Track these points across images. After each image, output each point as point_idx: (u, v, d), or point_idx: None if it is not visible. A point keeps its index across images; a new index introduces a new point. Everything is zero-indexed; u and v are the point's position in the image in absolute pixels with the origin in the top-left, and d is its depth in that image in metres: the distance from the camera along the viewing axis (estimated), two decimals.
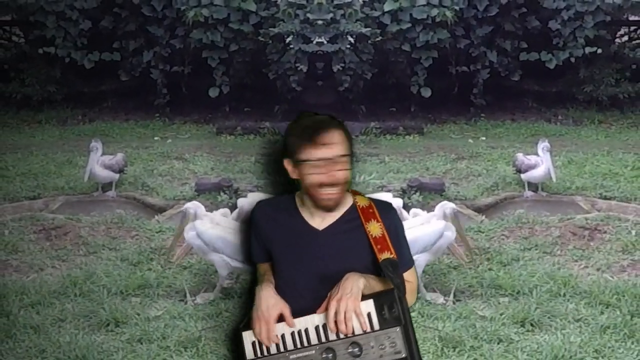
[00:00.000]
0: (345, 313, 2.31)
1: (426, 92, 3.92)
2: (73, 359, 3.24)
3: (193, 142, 3.85)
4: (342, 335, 2.35)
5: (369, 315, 2.34)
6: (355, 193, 2.65)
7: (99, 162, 3.71)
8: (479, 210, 3.69)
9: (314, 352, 2.39)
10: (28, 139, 3.96)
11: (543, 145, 3.66)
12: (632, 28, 3.99)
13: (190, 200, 3.58)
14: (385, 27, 3.90)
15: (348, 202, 2.60)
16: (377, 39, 3.91)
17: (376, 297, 2.35)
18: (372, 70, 3.95)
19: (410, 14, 3.87)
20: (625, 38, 4.01)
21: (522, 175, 3.71)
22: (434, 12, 3.83)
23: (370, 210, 2.58)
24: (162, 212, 3.70)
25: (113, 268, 3.51)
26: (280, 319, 2.48)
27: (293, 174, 2.53)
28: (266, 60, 3.92)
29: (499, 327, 3.34)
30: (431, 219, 3.44)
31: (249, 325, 2.52)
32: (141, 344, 3.28)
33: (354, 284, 2.36)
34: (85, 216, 3.67)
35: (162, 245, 3.55)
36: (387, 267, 2.42)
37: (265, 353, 2.47)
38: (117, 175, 3.74)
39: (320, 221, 2.56)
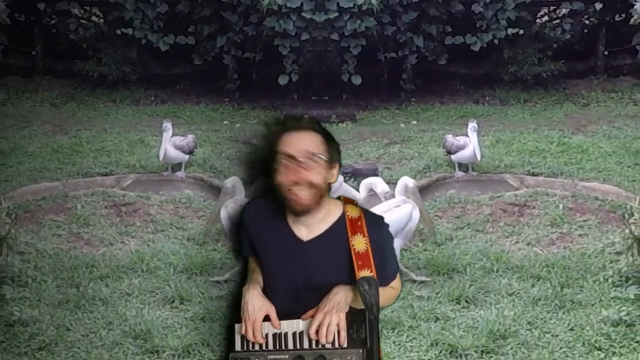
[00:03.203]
0: (328, 326, 2.35)
1: (357, 80, 3.96)
2: (138, 332, 3.32)
3: (261, 128, 3.86)
4: (313, 345, 2.40)
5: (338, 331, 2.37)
6: (348, 201, 2.62)
7: (171, 143, 3.75)
8: None
9: (287, 356, 2.43)
10: (102, 117, 4.01)
11: (471, 126, 3.73)
12: (552, 8, 4.09)
13: None
14: None
15: (337, 212, 2.52)
16: None
17: (349, 314, 2.37)
18: None
19: (337, 3, 3.90)
20: (546, 18, 4.10)
21: (452, 156, 3.78)
22: (360, 0, 3.88)
23: (359, 223, 2.50)
24: None
25: (180, 247, 3.57)
26: (266, 318, 2.52)
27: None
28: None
29: (436, 306, 3.41)
30: (400, 203, 3.47)
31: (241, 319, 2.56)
32: (204, 322, 3.33)
33: (343, 299, 2.38)
34: (154, 195, 3.74)
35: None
36: (363, 286, 2.38)
37: (250, 348, 2.52)
38: (187, 156, 3.78)
39: (306, 231, 2.49)
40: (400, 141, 3.90)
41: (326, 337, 2.33)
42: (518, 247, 3.57)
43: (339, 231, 2.48)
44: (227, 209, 3.39)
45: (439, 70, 4.04)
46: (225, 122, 3.91)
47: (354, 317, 2.37)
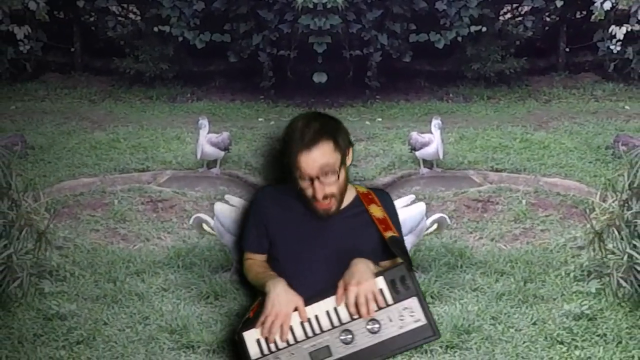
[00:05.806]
0: (366, 295, 2.40)
1: (322, 78, 3.97)
2: (174, 327, 3.36)
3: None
4: (356, 316, 2.43)
5: (381, 291, 2.44)
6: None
7: (206, 140, 3.78)
8: None
9: (329, 337, 2.44)
10: (139, 114, 4.03)
11: (435, 123, 3.77)
12: (514, 5, 4.12)
13: None
14: None
15: (351, 192, 2.73)
16: None
17: (384, 273, 2.47)
18: None
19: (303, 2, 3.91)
20: (509, 15, 4.13)
21: (417, 153, 3.80)
22: None
23: (370, 196, 2.74)
24: None
25: (215, 243, 3.57)
26: None
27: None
28: None
29: None
30: (413, 200, 3.57)
31: (247, 327, 2.53)
32: (239, 318, 3.28)
33: (367, 268, 2.47)
34: (190, 191, 3.76)
35: None
36: (394, 244, 2.56)
37: (273, 349, 2.47)
38: (222, 153, 3.79)
39: None
40: (365, 138, 3.92)
41: (367, 307, 2.41)
42: (482, 242, 3.61)
43: (357, 204, 2.72)
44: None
45: (404, 68, 4.06)
46: (260, 119, 3.93)
47: (391, 272, 2.48)
